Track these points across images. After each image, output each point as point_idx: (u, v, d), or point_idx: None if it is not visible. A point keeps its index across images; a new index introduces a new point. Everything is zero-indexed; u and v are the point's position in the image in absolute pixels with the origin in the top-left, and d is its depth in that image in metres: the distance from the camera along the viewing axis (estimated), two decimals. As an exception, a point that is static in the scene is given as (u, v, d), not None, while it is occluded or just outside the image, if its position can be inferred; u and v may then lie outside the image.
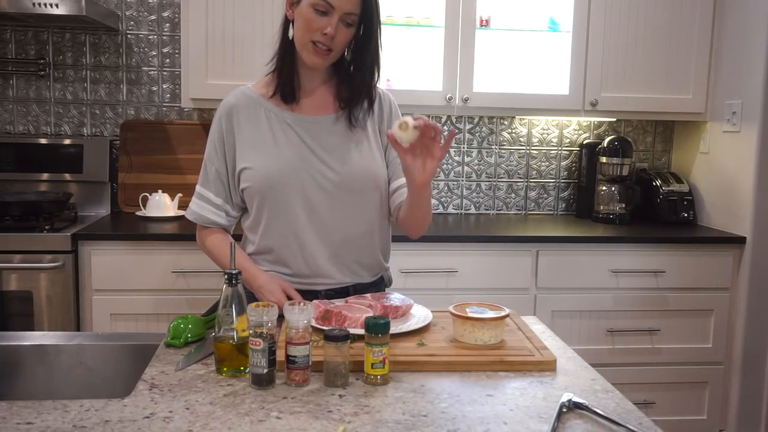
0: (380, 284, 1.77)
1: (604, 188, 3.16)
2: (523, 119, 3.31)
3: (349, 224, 1.64)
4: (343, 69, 1.64)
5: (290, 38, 1.59)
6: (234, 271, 1.28)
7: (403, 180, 1.63)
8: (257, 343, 1.21)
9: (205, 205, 1.67)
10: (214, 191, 1.67)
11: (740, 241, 2.82)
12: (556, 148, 3.36)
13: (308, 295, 1.63)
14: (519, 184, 3.36)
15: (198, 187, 1.69)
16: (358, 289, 1.70)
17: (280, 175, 1.59)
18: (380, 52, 1.61)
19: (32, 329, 2.51)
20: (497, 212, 3.37)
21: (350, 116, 1.64)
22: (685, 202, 3.11)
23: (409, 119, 1.42)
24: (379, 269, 1.75)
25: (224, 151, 1.65)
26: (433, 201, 3.31)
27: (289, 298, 1.57)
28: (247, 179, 1.62)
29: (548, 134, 3.34)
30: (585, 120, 3.32)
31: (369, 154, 1.65)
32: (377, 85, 1.67)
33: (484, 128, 3.30)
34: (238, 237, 1.71)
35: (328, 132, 1.63)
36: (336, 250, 1.65)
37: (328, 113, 1.65)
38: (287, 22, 1.60)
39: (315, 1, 1.50)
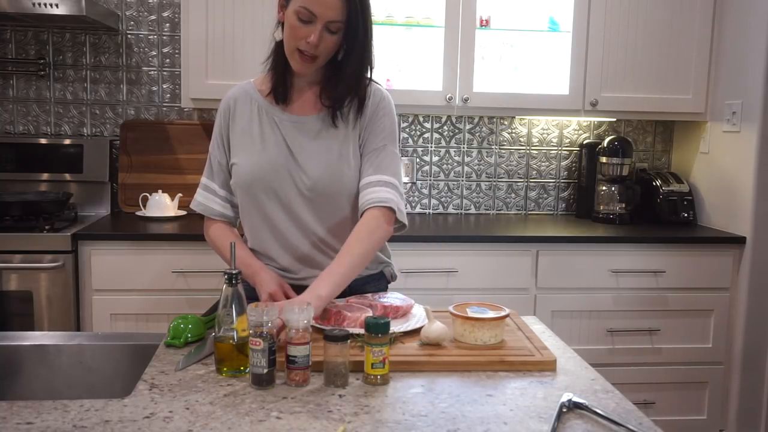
0: (380, 279, 1.77)
1: (604, 188, 3.16)
2: (523, 119, 3.31)
3: (328, 221, 1.65)
4: (333, 70, 1.63)
5: (278, 40, 1.60)
6: (234, 271, 1.28)
7: (371, 178, 1.61)
8: (257, 343, 1.21)
9: (211, 197, 1.69)
10: (219, 183, 1.69)
11: (740, 241, 2.82)
12: (556, 148, 3.36)
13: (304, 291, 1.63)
14: (519, 184, 3.36)
15: (204, 179, 1.71)
16: (355, 284, 1.69)
17: (261, 173, 1.61)
18: (371, 54, 1.59)
19: (32, 329, 2.51)
20: (497, 212, 3.37)
21: (333, 116, 1.62)
22: (685, 202, 3.10)
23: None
24: (377, 263, 1.75)
25: (223, 143, 1.68)
26: (433, 201, 3.31)
27: (288, 297, 1.57)
28: (233, 175, 1.65)
29: (548, 134, 3.34)
30: (585, 120, 3.32)
31: (344, 157, 1.62)
32: (370, 84, 1.64)
33: (484, 128, 3.30)
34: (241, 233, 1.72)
35: (311, 132, 1.63)
36: (320, 245, 1.66)
37: (312, 113, 1.65)
38: (280, 24, 1.61)
39: (298, 9, 1.50)
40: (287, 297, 1.56)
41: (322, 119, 1.64)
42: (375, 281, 1.75)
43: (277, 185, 1.61)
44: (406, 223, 1.65)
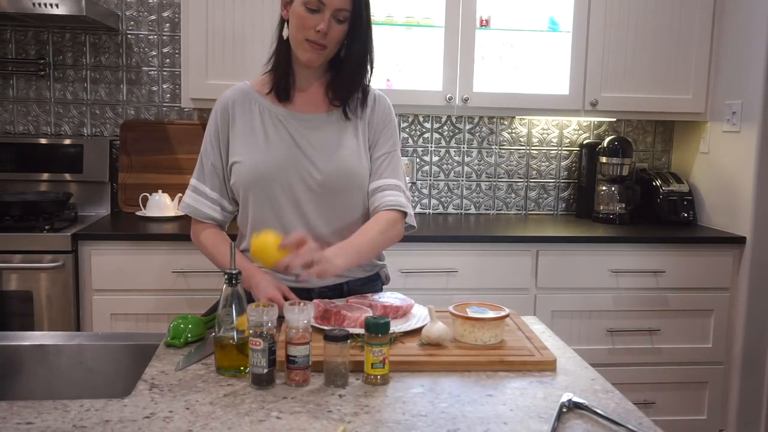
0: (376, 281, 1.78)
1: (604, 188, 3.16)
2: (523, 119, 3.31)
3: (335, 221, 1.65)
4: (336, 66, 1.65)
5: (285, 38, 1.61)
6: (234, 271, 1.28)
7: (381, 182, 1.66)
8: (257, 343, 1.21)
9: (201, 199, 1.68)
10: (210, 185, 1.68)
11: (740, 241, 2.82)
12: (556, 148, 3.36)
13: (302, 293, 1.63)
14: (519, 184, 3.36)
15: (193, 181, 1.70)
16: (352, 286, 1.71)
17: (267, 171, 1.61)
18: (372, 46, 1.62)
19: (32, 329, 2.51)
20: (497, 212, 3.37)
21: (344, 111, 1.65)
22: (685, 202, 3.10)
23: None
24: (372, 266, 1.75)
25: (219, 145, 1.66)
26: (433, 201, 3.31)
27: (286, 298, 1.57)
28: (235, 174, 1.64)
29: (548, 134, 3.34)
30: (585, 120, 3.32)
31: (355, 154, 1.65)
32: (371, 84, 1.68)
33: (484, 128, 3.30)
34: (233, 236, 1.71)
35: (319, 130, 1.64)
36: (324, 246, 1.65)
37: (321, 111, 1.66)
38: (283, 22, 1.62)
39: None
40: (286, 299, 1.56)
41: (331, 116, 1.65)
42: (371, 282, 1.76)
43: (285, 183, 1.61)
44: (415, 225, 1.71)
